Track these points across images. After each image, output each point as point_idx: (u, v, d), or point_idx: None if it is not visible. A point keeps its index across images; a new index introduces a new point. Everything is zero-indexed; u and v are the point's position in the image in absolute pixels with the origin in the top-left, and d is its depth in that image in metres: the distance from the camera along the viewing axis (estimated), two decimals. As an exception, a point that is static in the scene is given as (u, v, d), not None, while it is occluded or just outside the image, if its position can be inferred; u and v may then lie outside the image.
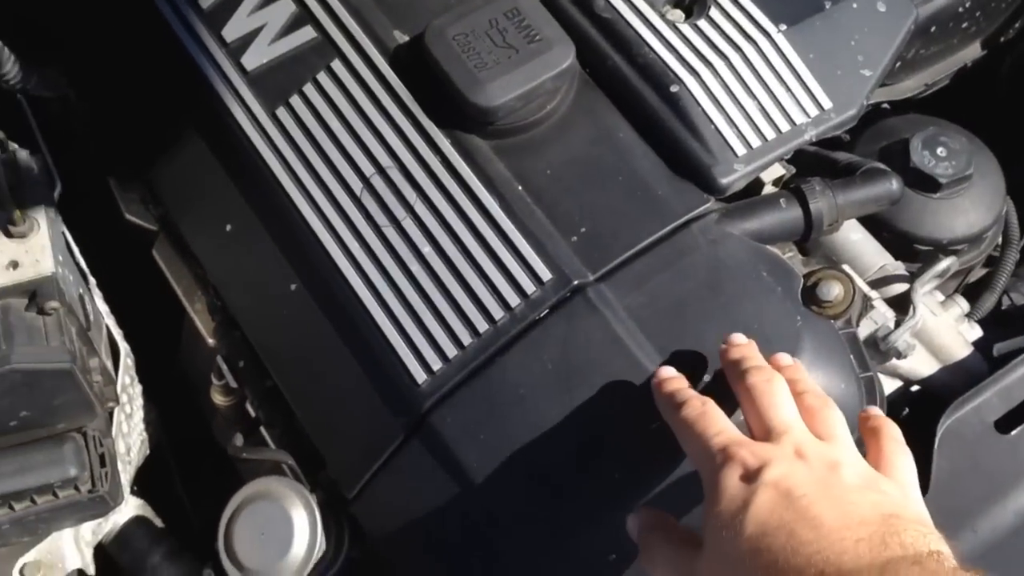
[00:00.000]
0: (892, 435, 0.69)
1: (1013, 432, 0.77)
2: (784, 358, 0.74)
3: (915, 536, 0.58)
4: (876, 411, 0.73)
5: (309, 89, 0.89)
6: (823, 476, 0.62)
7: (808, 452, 0.64)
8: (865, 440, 0.70)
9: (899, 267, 0.90)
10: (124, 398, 0.94)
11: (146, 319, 1.05)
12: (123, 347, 0.96)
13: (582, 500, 0.75)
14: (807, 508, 0.60)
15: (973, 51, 1.08)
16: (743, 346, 0.74)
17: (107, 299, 1.00)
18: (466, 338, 0.79)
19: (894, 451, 0.68)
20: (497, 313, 0.79)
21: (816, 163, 0.91)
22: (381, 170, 0.85)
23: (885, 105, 1.05)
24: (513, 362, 0.78)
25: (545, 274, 0.79)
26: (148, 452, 1.03)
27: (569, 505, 0.76)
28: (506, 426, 0.77)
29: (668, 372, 0.74)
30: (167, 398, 1.08)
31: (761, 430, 0.67)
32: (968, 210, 0.94)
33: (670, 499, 0.73)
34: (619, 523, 0.72)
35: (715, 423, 0.67)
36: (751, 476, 0.62)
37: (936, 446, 0.77)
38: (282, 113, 0.89)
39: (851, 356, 0.78)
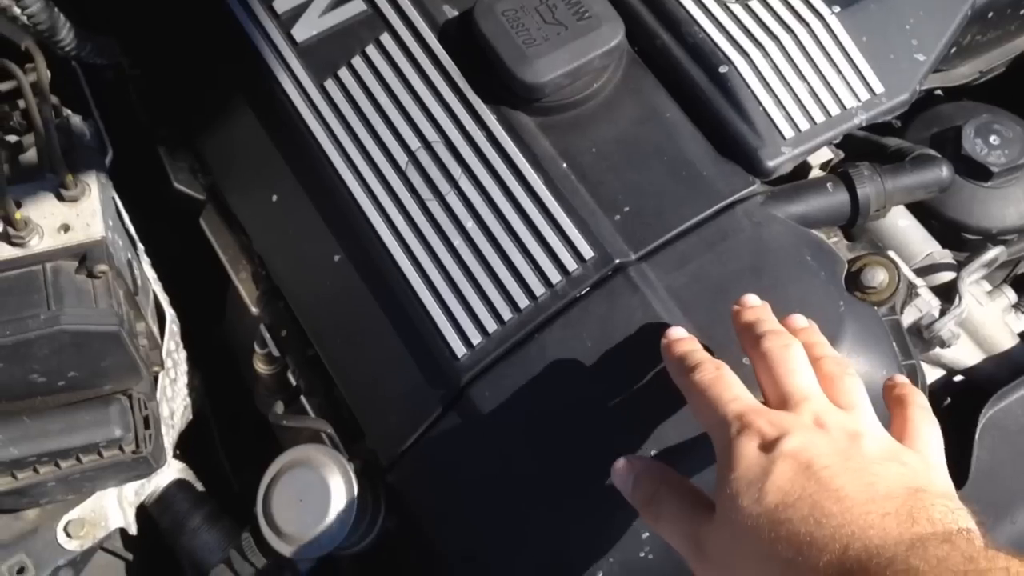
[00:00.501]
0: (918, 403, 0.67)
1: (1057, 425, 0.76)
2: (799, 320, 0.72)
3: (943, 512, 0.56)
4: (902, 379, 0.71)
5: (358, 62, 0.90)
6: (844, 447, 0.60)
7: (828, 422, 0.62)
8: (890, 409, 0.68)
9: (946, 255, 0.88)
10: (169, 363, 0.96)
11: (192, 287, 1.07)
12: (169, 313, 0.98)
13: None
14: (830, 480, 0.57)
15: (1030, 39, 1.06)
16: (757, 308, 0.72)
17: (154, 266, 1.02)
18: (506, 313, 0.80)
19: (920, 420, 0.66)
20: (538, 289, 0.80)
21: (866, 148, 0.90)
22: (427, 144, 0.85)
23: (938, 92, 1.04)
24: (553, 339, 0.78)
25: (587, 252, 0.79)
26: (191, 417, 1.05)
27: (604, 482, 0.75)
28: (544, 402, 0.78)
29: (679, 333, 0.72)
30: (211, 365, 1.10)
31: (777, 398, 0.65)
32: (1020, 199, 0.93)
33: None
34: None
35: (730, 389, 0.65)
36: (769, 445, 0.60)
37: (977, 437, 0.76)
38: (330, 85, 0.90)
39: (894, 343, 0.78)
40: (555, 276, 0.80)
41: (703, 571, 0.63)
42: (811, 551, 0.55)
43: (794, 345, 0.67)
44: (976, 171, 0.91)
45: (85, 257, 0.79)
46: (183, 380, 1.02)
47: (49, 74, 0.88)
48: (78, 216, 0.80)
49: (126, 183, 0.98)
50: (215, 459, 1.12)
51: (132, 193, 0.99)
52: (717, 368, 0.67)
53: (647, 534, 0.75)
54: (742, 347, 0.70)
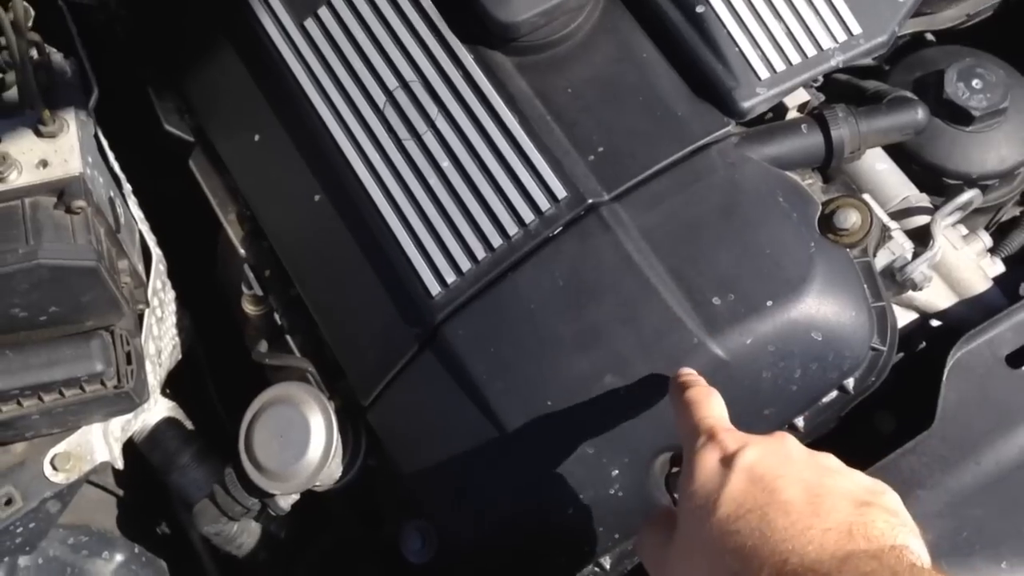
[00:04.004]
0: None
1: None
2: None
3: (883, 528, 0.57)
4: None
5: (337, 2, 0.89)
6: (802, 458, 0.62)
7: (788, 435, 0.64)
8: None
9: (923, 199, 0.88)
10: (155, 302, 0.97)
11: (188, 229, 1.07)
12: (155, 252, 0.98)
13: (587, 415, 0.76)
14: (780, 491, 0.59)
15: (1019, -20, 1.04)
16: None
17: (146, 206, 1.02)
18: (480, 252, 0.80)
19: None
20: (511, 229, 0.80)
21: (846, 91, 0.90)
22: (405, 84, 0.85)
23: (929, 35, 1.03)
24: (525, 278, 0.79)
25: (560, 192, 0.80)
26: (180, 357, 1.06)
27: (575, 420, 0.77)
28: (515, 340, 0.78)
29: (693, 372, 0.73)
30: (207, 306, 1.11)
31: None
32: (1001, 144, 0.92)
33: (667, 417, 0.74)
34: (617, 438, 0.73)
35: (711, 408, 0.67)
36: (729, 459, 0.62)
37: (945, 378, 0.76)
38: (310, 24, 0.90)
39: (864, 285, 0.78)
40: (528, 216, 0.80)
41: None
42: (753, 563, 0.57)
43: None
44: (957, 115, 0.91)
45: (63, 193, 0.79)
46: (171, 319, 1.03)
47: (32, 12, 0.88)
48: (56, 152, 0.80)
49: (118, 123, 0.98)
50: (208, 398, 1.13)
51: (124, 133, 0.99)
52: (709, 392, 0.69)
53: (616, 471, 0.76)
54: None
